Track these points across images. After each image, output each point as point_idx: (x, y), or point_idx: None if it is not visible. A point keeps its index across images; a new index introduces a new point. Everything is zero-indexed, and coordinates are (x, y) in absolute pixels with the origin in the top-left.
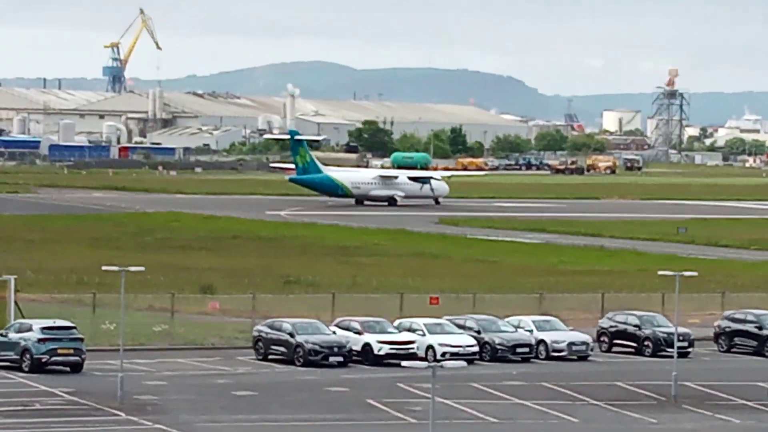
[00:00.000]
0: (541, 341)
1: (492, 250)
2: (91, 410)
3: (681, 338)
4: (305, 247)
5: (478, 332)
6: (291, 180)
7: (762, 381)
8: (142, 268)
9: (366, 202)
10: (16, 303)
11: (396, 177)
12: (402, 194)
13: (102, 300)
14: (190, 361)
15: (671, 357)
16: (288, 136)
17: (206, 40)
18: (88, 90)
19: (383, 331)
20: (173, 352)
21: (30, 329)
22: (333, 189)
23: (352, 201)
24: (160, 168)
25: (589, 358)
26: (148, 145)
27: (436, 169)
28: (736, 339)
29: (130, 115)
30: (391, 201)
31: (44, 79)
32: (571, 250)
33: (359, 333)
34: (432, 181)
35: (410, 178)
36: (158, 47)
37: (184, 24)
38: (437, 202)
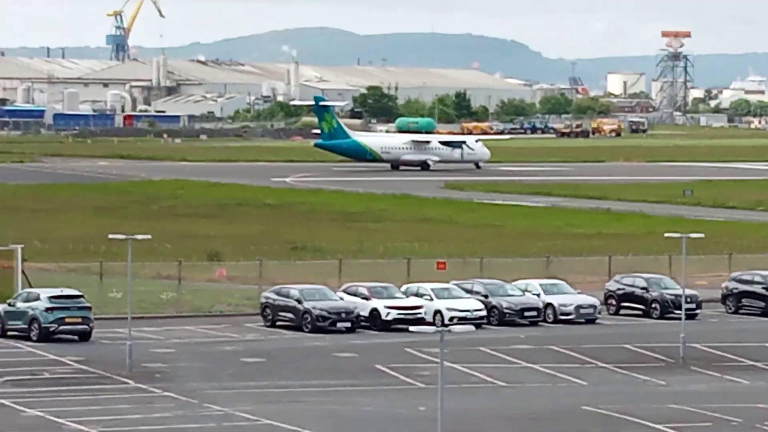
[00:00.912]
0: (549, 305)
1: (498, 214)
2: (100, 378)
3: (688, 300)
4: (311, 213)
5: (486, 296)
6: (317, 145)
7: None
8: (148, 236)
9: (402, 168)
10: (23, 272)
11: (428, 141)
12: (436, 159)
13: (109, 268)
14: (198, 328)
15: (679, 319)
16: (313, 102)
17: (209, 7)
18: (91, 59)
19: (391, 297)
20: (181, 320)
21: (38, 298)
22: (361, 154)
23: (388, 166)
24: (165, 136)
25: (597, 321)
26: (152, 113)
27: (440, 133)
28: (743, 300)
29: (134, 83)
30: (424, 165)
31: (48, 48)
32: (577, 214)
33: (367, 298)
34: (470, 144)
35: (442, 143)
36: (161, 15)
37: None
38: (478, 167)
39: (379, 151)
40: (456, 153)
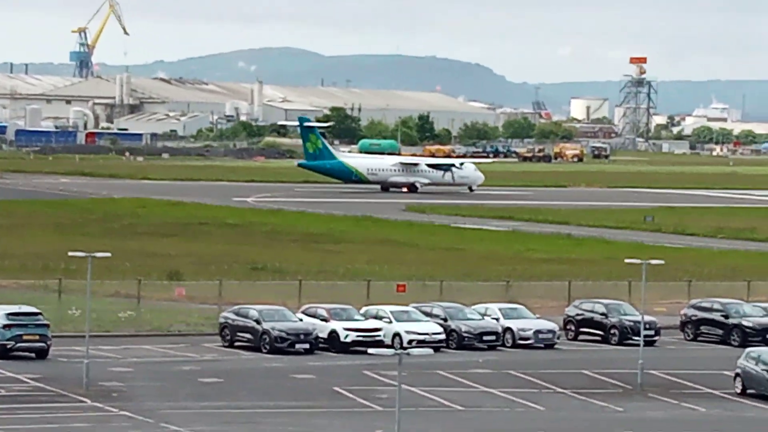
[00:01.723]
0: (508, 329)
1: (459, 238)
2: (57, 396)
3: (647, 326)
4: (272, 234)
5: (445, 320)
6: (300, 165)
7: (728, 370)
8: (108, 254)
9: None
10: None
11: (417, 164)
12: (425, 181)
13: (68, 286)
14: (157, 347)
15: (637, 345)
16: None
17: (174, 26)
18: (55, 75)
19: (350, 319)
20: (139, 339)
21: None
22: (346, 175)
23: (378, 188)
24: (127, 154)
25: (556, 346)
26: (115, 130)
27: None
28: (702, 327)
29: (97, 100)
30: (412, 188)
31: (11, 64)
32: (538, 238)
33: (326, 320)
34: (463, 168)
35: (429, 165)
36: (126, 32)
37: (151, 9)
38: (471, 190)
39: (365, 172)
40: (447, 176)
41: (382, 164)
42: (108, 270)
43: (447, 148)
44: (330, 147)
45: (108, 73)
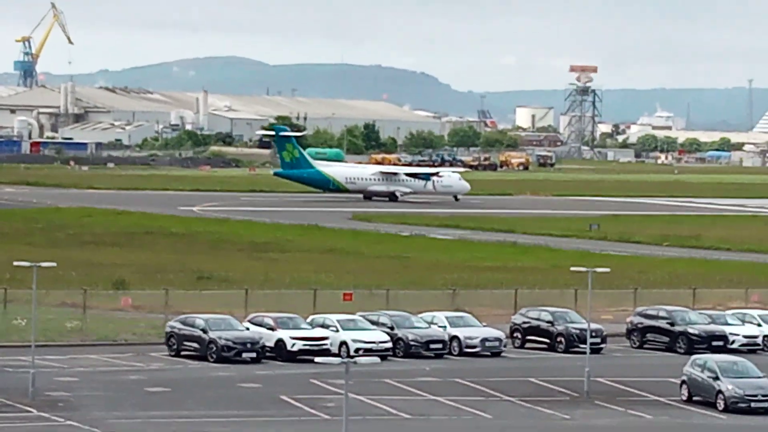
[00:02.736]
0: (455, 337)
1: (405, 246)
2: (2, 406)
3: (593, 334)
4: (218, 242)
5: (392, 328)
6: (277, 174)
7: (674, 377)
8: (53, 264)
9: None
10: None
11: (397, 173)
12: (406, 190)
13: (13, 295)
14: (103, 357)
15: (584, 353)
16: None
17: (119, 35)
18: None
19: (296, 327)
20: (85, 348)
21: None
22: (324, 184)
23: (346, 197)
24: (72, 163)
25: (502, 354)
26: (59, 140)
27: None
28: (648, 335)
29: (41, 110)
30: (392, 197)
31: None
32: (484, 246)
33: (272, 329)
34: (446, 177)
35: (408, 175)
36: (70, 42)
37: (96, 18)
38: (456, 199)
39: (343, 181)
40: (429, 185)
41: (362, 173)
42: (54, 280)
43: (393, 156)
44: (307, 156)
45: (52, 82)
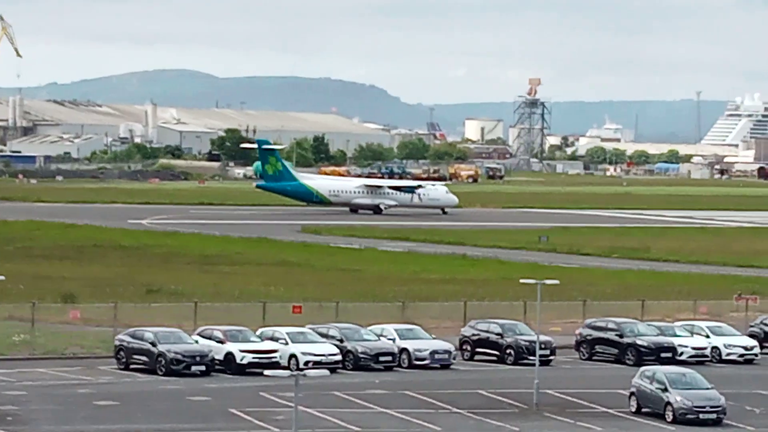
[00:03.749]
0: (404, 350)
1: (354, 259)
2: None
3: (543, 346)
4: (167, 255)
5: (341, 341)
6: (259, 187)
7: (623, 388)
8: (2, 277)
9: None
10: None
11: (381, 186)
12: (391, 203)
13: None
14: (51, 370)
15: (533, 365)
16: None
17: (67, 48)
18: None
19: (246, 340)
20: (34, 362)
21: None
22: (307, 196)
23: (333, 210)
24: (20, 176)
25: (452, 366)
26: (7, 153)
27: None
28: (597, 347)
29: None
30: (376, 210)
31: None
32: (433, 259)
33: (222, 342)
34: (432, 190)
35: (392, 188)
36: (18, 54)
37: (45, 31)
38: (444, 212)
39: (326, 194)
40: (415, 198)
41: (346, 186)
42: (1, 293)
43: (342, 169)
44: (290, 169)
45: (0, 95)
